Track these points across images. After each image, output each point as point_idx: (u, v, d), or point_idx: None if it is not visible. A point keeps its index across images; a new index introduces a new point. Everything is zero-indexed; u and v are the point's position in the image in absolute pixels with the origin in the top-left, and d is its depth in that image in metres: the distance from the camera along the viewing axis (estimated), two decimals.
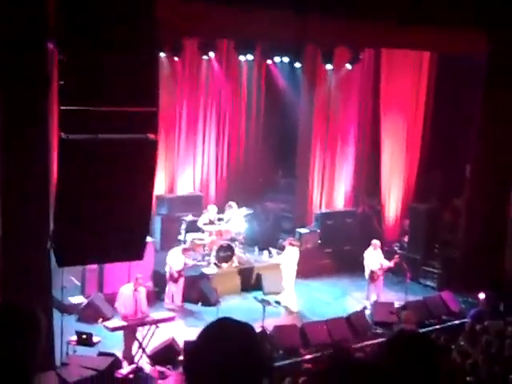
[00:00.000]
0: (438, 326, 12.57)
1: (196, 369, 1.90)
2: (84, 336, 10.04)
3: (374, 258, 13.16)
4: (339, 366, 1.42)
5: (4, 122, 8.41)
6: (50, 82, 8.83)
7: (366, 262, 13.18)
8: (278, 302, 13.18)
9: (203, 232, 14.29)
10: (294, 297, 13.45)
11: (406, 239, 15.89)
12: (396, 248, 15.57)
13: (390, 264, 13.23)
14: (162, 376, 10.04)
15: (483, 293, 12.67)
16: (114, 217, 8.46)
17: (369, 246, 13.37)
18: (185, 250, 12.89)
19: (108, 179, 8.32)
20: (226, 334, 1.91)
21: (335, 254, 15.64)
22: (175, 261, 12.67)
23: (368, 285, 13.28)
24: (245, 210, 15.07)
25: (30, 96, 8.44)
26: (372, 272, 13.09)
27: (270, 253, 14.73)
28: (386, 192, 16.69)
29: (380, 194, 16.74)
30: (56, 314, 9.76)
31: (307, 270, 14.96)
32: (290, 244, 13.53)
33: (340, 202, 16.80)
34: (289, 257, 13.46)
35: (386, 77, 16.17)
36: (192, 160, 16.34)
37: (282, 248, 13.88)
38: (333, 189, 16.65)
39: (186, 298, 12.90)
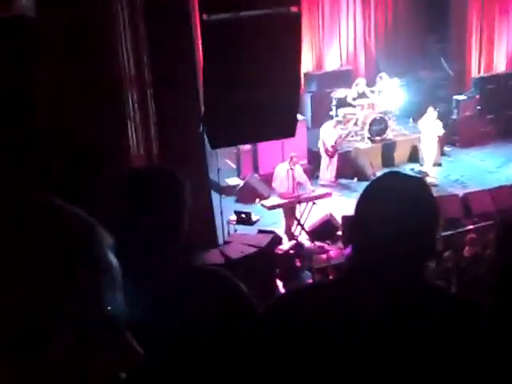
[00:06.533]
0: None
1: (362, 228, 1.76)
2: (243, 215, 10.31)
3: None
4: None
5: (147, 8, 8.36)
6: None
7: None
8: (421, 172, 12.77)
9: (354, 107, 13.92)
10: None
11: None
12: None
13: None
14: (322, 251, 10.15)
15: None
16: (263, 95, 8.36)
17: None
18: (338, 123, 12.62)
19: (253, 57, 8.19)
20: (393, 190, 1.75)
21: (497, 119, 14.68)
22: (328, 135, 12.47)
23: None
24: (397, 81, 14.42)
25: None
26: None
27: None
28: None
29: None
30: (214, 196, 10.03)
31: (467, 138, 14.28)
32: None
33: (501, 64, 15.59)
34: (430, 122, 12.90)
35: None
36: (338, 33, 15.72)
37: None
38: (493, 50, 15.43)
39: (340, 174, 12.79)
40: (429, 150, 13.06)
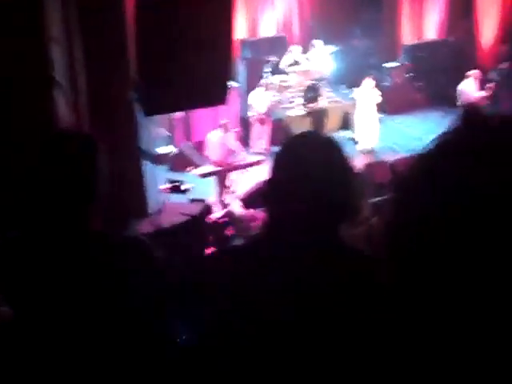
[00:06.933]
0: None
1: (278, 177, 1.81)
2: (176, 183, 10.28)
3: (471, 91, 12.39)
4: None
5: None
6: None
7: (461, 97, 12.42)
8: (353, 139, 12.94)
9: (288, 74, 13.96)
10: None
11: (504, 66, 14.90)
12: (494, 75, 14.66)
13: (485, 93, 12.44)
14: (255, 218, 10.22)
15: None
16: (195, 63, 8.32)
17: (463, 75, 12.62)
18: (268, 89, 12.57)
19: (185, 25, 8.11)
20: (311, 144, 1.84)
21: (427, 87, 14.98)
22: (259, 102, 12.46)
23: None
24: (330, 48, 14.51)
25: None
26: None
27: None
28: (481, 15, 15.40)
29: (475, 16, 15.51)
30: (148, 165, 9.94)
31: (397, 105, 14.54)
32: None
33: (432, 32, 15.83)
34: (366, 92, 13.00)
35: None
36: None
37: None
38: (423, 18, 15.64)
39: (273, 142, 12.85)
40: (365, 118, 13.16)
